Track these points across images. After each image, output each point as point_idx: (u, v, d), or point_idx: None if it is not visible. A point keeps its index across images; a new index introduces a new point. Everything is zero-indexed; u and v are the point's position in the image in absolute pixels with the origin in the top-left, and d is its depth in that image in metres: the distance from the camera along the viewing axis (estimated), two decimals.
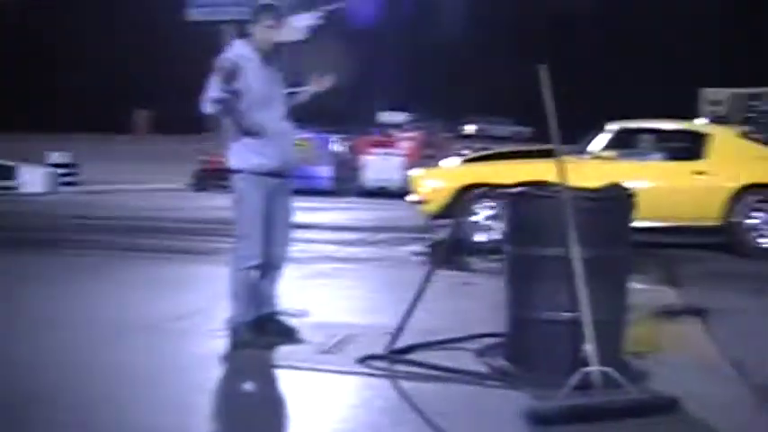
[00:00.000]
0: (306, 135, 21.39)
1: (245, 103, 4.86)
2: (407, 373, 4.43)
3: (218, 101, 4.78)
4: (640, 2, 51.17)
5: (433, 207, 9.71)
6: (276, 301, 5.18)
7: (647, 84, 46.97)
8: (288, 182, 5.14)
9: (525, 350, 4.46)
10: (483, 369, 4.51)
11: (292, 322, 5.22)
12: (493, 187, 9.12)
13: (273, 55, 5.07)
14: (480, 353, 4.78)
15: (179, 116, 53.30)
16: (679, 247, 9.69)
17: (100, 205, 16.96)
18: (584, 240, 4.13)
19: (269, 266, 5.04)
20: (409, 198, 10.40)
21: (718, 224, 9.36)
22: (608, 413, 3.73)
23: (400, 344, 4.73)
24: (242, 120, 4.88)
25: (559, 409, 3.71)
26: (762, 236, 9.39)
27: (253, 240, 4.92)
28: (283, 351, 4.89)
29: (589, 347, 3.96)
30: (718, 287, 7.31)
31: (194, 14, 32.10)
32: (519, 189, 4.51)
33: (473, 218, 9.40)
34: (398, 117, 21.52)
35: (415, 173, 10.68)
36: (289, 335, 5.10)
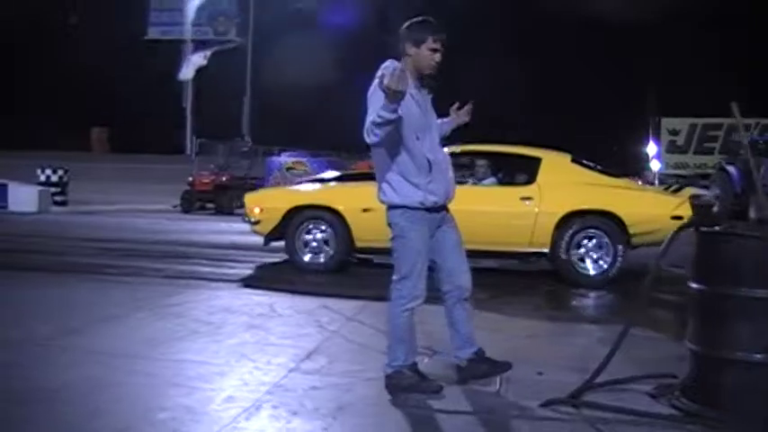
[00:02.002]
0: (302, 158, 21.28)
1: (403, 131, 4.49)
2: (600, 418, 4.27)
3: (383, 124, 4.23)
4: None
5: (265, 227, 10.06)
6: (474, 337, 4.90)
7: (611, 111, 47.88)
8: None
9: (718, 392, 4.33)
10: (671, 412, 4.37)
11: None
12: (317, 209, 9.78)
13: (427, 80, 4.72)
14: (654, 394, 4.64)
15: (136, 135, 52.67)
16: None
17: (100, 226, 16.44)
18: None
19: (456, 299, 4.77)
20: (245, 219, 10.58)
21: (546, 250, 9.29)
22: None
23: (552, 383, 4.66)
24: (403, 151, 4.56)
25: None
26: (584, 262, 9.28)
27: (414, 280, 4.59)
28: (452, 395, 4.62)
29: None
30: None
31: (152, 33, 31.72)
32: (715, 228, 4.39)
33: (305, 238, 9.87)
34: None
35: (249, 195, 10.89)
36: (499, 370, 4.89)
